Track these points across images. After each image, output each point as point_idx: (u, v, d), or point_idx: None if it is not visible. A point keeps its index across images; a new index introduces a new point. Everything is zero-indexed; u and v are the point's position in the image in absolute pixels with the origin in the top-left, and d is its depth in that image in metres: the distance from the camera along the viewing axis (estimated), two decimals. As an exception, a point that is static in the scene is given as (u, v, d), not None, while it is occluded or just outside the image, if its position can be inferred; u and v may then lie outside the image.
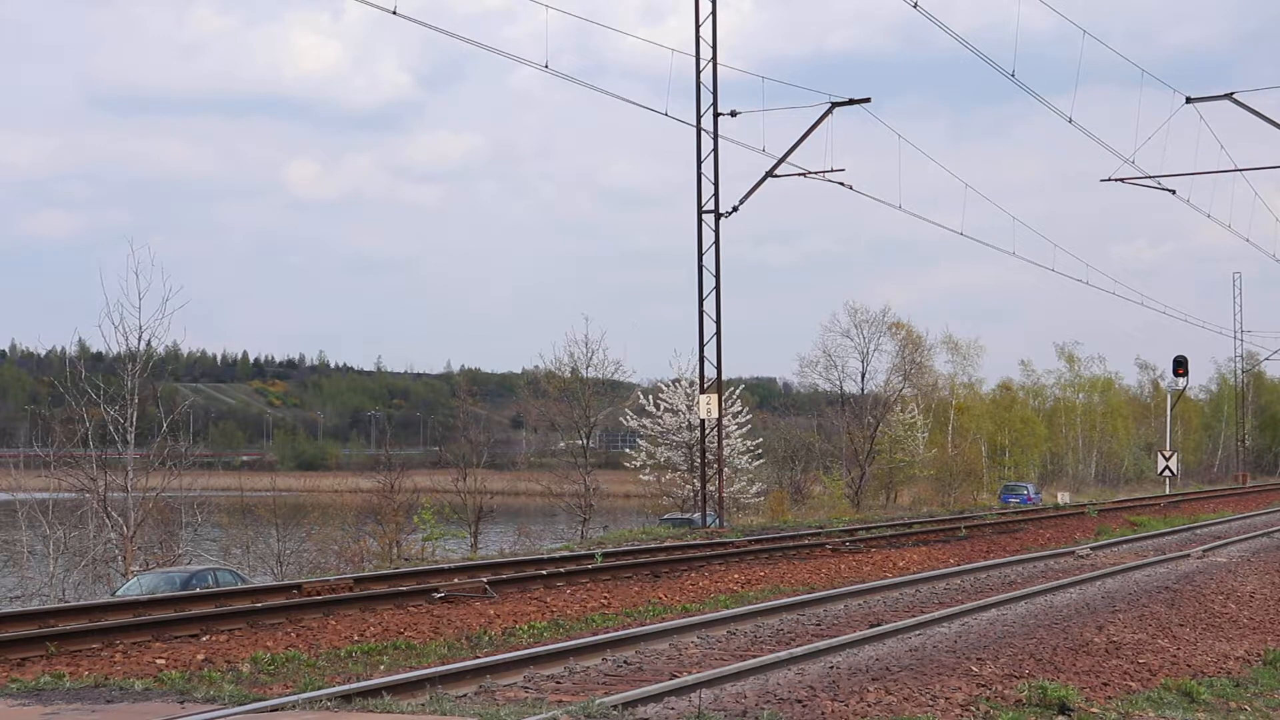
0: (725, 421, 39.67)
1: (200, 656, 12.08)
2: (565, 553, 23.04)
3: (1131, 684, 11.41)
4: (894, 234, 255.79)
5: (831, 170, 32.87)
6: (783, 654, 11.27)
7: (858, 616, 14.94)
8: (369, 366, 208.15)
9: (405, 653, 12.68)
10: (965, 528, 30.69)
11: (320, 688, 9.69)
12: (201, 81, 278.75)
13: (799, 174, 33.35)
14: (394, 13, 21.17)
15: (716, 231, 32.26)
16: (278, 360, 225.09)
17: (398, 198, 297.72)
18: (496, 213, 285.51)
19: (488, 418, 71.53)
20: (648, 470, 49.46)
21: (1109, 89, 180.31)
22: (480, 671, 10.44)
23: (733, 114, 32.40)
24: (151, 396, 32.85)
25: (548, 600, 16.63)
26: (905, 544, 26.73)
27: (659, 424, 48.93)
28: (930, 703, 9.75)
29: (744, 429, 50.73)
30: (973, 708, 9.69)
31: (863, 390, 67.79)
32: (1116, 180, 35.91)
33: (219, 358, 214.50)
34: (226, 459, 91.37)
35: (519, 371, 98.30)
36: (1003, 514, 36.74)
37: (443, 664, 11.13)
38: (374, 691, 9.19)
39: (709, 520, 32.82)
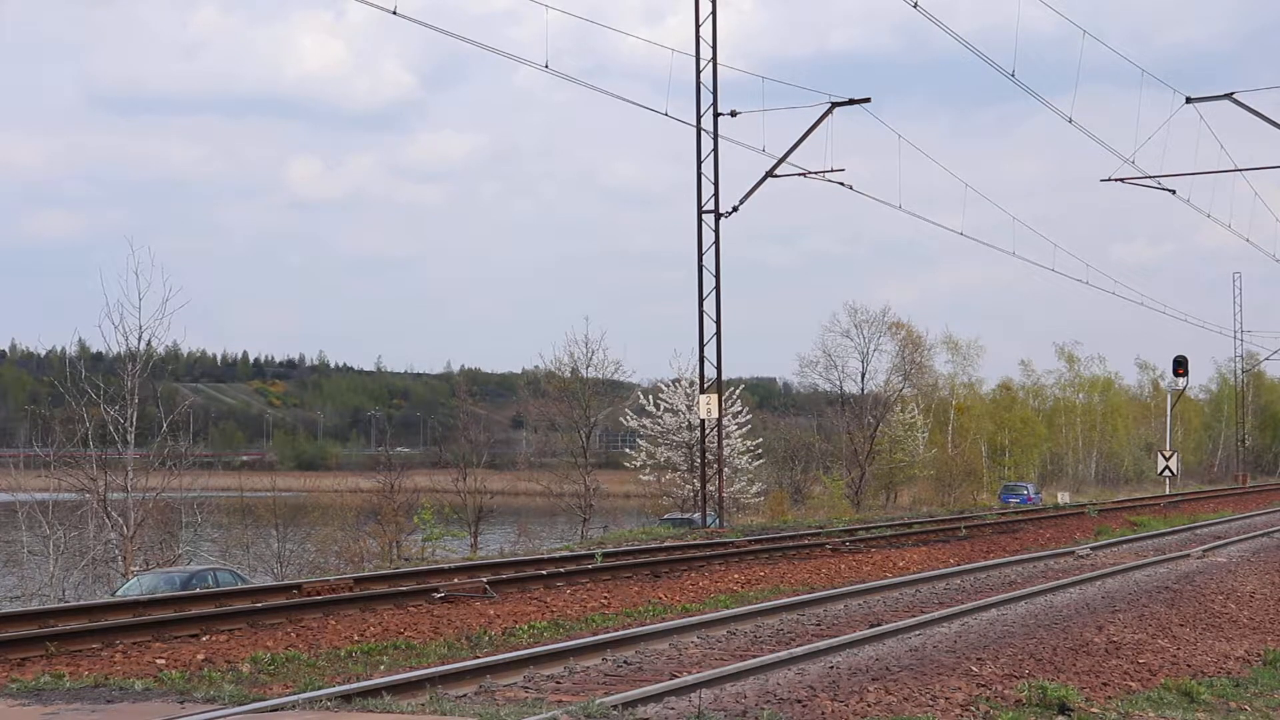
0: (725, 421, 39.66)
1: (200, 656, 12.08)
2: (565, 553, 23.03)
3: (1131, 684, 11.41)
4: (894, 234, 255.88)
5: (831, 170, 32.90)
6: (783, 654, 11.26)
7: (858, 616, 14.93)
8: (369, 366, 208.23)
9: (405, 653, 12.67)
10: (965, 528, 30.68)
11: (320, 688, 9.68)
12: (203, 81, 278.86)
13: (799, 174, 33.37)
14: (394, 13, 21.19)
15: (716, 231, 32.28)
16: (278, 360, 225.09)
17: (399, 198, 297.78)
18: (498, 212, 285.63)
19: (488, 418, 71.46)
20: (648, 470, 49.50)
21: (1109, 89, 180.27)
22: (480, 671, 10.44)
23: (733, 114, 32.42)
24: (151, 396, 32.87)
25: (548, 600, 16.62)
26: (905, 544, 26.72)
27: (659, 424, 48.96)
28: (930, 703, 9.75)
29: (744, 429, 50.76)
30: (973, 708, 9.69)
31: (863, 390, 67.88)
32: (1116, 180, 35.93)
33: (219, 358, 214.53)
34: (226, 459, 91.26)
35: (519, 371, 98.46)
36: (1003, 514, 36.74)
37: (443, 664, 11.12)
38: (374, 691, 9.19)
39: (709, 520, 32.82)
